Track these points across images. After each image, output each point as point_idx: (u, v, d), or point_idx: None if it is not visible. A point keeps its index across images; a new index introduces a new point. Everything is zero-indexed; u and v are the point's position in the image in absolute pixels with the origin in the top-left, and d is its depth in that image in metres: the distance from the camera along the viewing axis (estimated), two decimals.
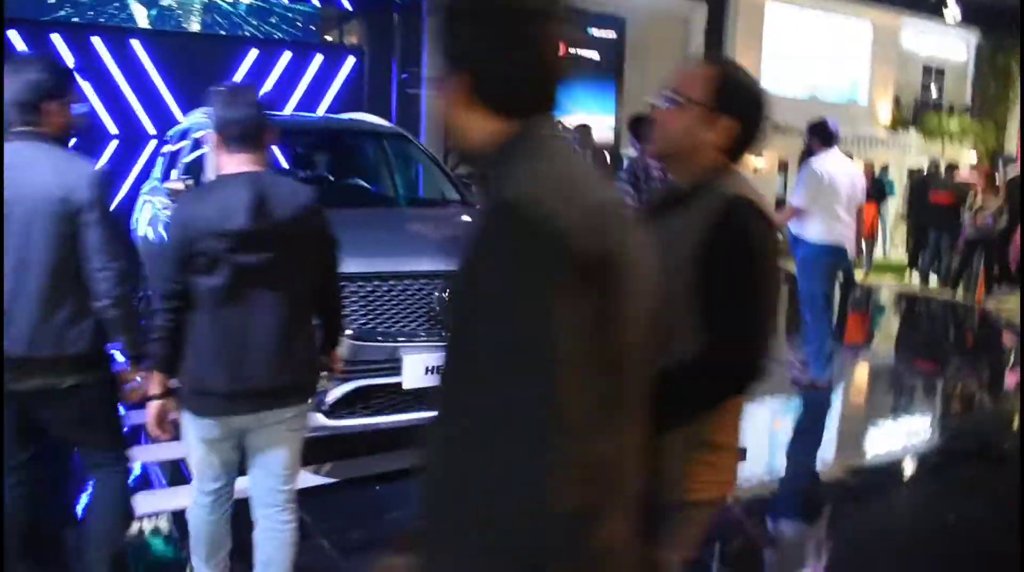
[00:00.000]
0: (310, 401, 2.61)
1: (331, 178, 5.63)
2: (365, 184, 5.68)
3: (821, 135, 5.64)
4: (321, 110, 10.26)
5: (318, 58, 10.64)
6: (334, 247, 2.62)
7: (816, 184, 5.51)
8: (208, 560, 2.60)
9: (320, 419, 3.62)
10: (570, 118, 12.87)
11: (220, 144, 2.45)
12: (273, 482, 2.52)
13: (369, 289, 3.74)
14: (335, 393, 3.65)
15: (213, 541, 2.58)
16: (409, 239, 4.15)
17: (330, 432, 3.69)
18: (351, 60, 10.90)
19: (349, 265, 3.58)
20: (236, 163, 2.42)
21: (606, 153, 8.82)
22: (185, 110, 8.13)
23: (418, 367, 3.75)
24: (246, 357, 2.36)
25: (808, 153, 6.02)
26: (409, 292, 3.80)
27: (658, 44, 14.24)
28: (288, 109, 10.22)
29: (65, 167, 2.43)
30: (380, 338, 3.73)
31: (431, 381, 3.76)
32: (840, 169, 5.62)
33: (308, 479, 3.87)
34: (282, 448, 2.51)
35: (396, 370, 3.72)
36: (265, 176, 2.42)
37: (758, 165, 15.67)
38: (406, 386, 3.74)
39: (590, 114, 12.83)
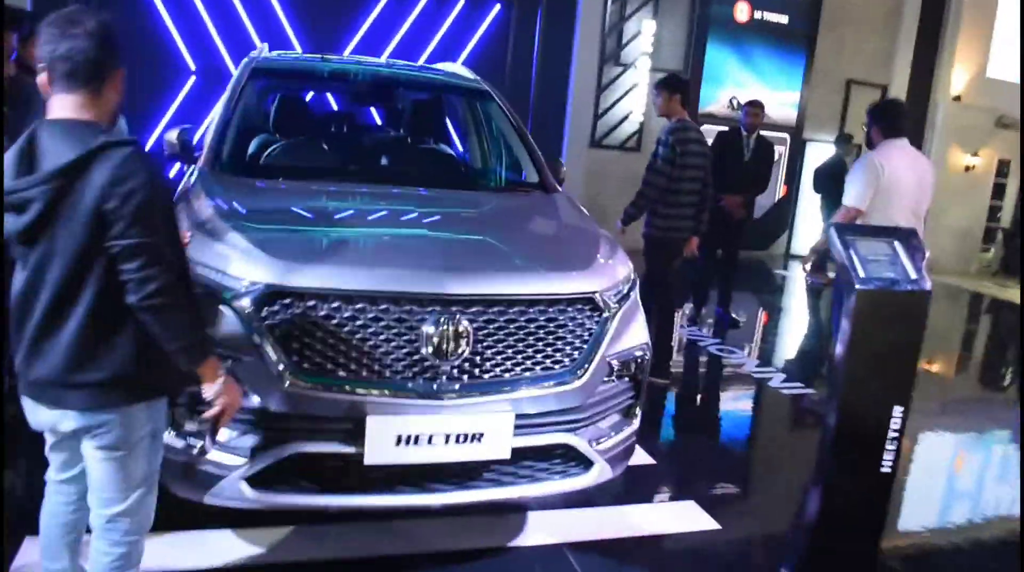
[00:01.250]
0: (141, 412, 2.12)
1: (384, 139, 4.63)
2: (440, 150, 4.61)
3: (884, 120, 4.62)
4: (460, 60, 9.33)
5: (460, 4, 9.68)
6: (129, 232, 1.93)
7: (873, 180, 4.48)
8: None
9: (243, 488, 2.66)
10: (744, 92, 11.32)
11: (46, 84, 2.04)
12: (93, 500, 2.21)
13: (326, 312, 2.68)
14: (264, 459, 2.66)
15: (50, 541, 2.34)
16: (433, 244, 3.05)
17: (254, 506, 2.71)
18: (496, 8, 9.85)
19: (302, 276, 2.62)
20: (58, 107, 2.01)
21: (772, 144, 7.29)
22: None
23: (386, 434, 2.69)
24: (32, 341, 2.02)
25: (868, 145, 4.92)
26: (391, 323, 2.71)
27: (862, 11, 12.10)
28: (422, 59, 9.37)
29: None
30: (334, 386, 2.68)
31: (403, 457, 2.69)
32: (906, 163, 4.55)
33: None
34: (92, 462, 2.15)
35: (357, 435, 2.67)
36: (75, 127, 1.97)
37: (971, 163, 13.21)
38: (368, 460, 2.69)
39: (771, 89, 11.10)
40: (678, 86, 5.18)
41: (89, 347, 2.00)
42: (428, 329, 2.70)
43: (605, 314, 3.02)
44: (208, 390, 2.16)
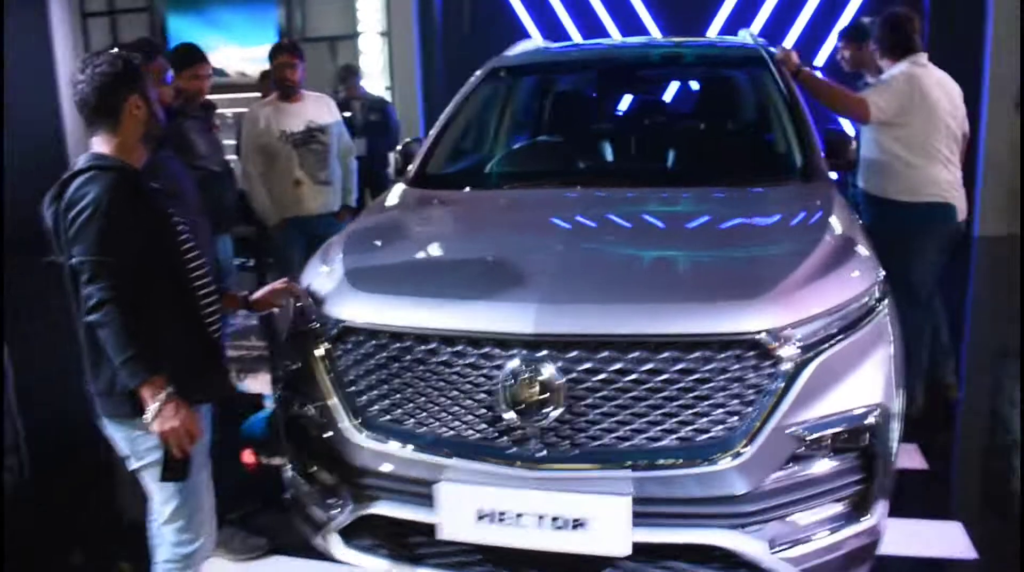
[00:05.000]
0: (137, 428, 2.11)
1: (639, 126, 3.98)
2: (718, 134, 3.82)
3: (890, 38, 3.78)
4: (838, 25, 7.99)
5: None
6: (74, 250, 2.01)
7: (906, 97, 3.64)
8: None
9: (334, 542, 2.38)
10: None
11: None
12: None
13: (397, 353, 2.25)
14: (345, 514, 2.34)
15: None
16: (573, 268, 2.38)
17: (347, 560, 2.40)
18: None
19: (377, 310, 2.31)
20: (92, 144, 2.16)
21: None
22: None
23: (464, 506, 2.16)
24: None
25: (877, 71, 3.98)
26: (466, 369, 2.18)
27: None
28: (789, 40, 8.23)
29: None
30: (406, 443, 2.24)
31: (485, 536, 2.15)
32: (936, 81, 3.73)
33: None
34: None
35: (433, 503, 2.20)
36: (87, 159, 2.09)
37: None
38: (443, 535, 2.20)
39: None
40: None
41: (93, 357, 2.10)
42: (506, 378, 2.10)
43: (783, 364, 2.07)
44: (146, 413, 2.01)
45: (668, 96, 4.51)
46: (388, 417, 2.29)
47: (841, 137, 3.28)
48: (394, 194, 3.31)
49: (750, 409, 2.06)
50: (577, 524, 2.09)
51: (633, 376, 2.07)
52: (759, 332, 2.05)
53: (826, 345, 2.13)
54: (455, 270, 2.47)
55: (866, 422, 2.15)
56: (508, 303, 2.17)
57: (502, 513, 2.13)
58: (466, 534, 2.18)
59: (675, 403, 2.07)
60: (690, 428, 2.08)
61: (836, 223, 2.60)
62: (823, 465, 2.15)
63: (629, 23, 8.67)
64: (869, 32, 4.06)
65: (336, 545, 2.40)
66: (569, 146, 3.81)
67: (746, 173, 3.20)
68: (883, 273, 2.45)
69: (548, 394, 2.07)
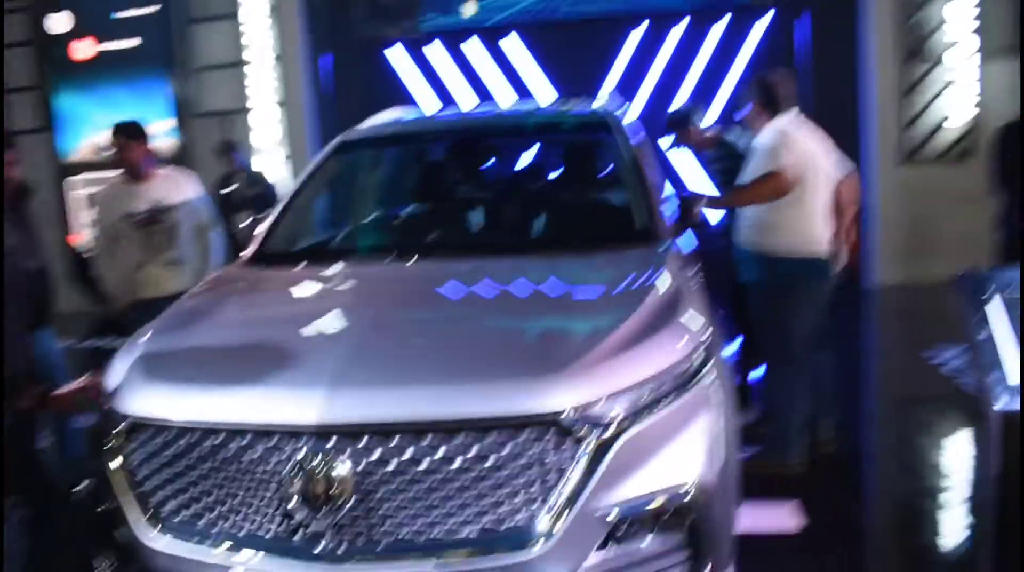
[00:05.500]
0: None
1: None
2: (558, 201, 3.78)
3: (765, 95, 3.89)
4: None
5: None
6: None
7: (783, 153, 3.66)
8: None
9: None
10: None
11: None
12: None
13: (184, 449, 2.11)
14: None
15: None
16: (367, 349, 2.23)
17: None
18: (769, 16, 8.42)
19: (162, 404, 2.15)
20: None
21: None
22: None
23: None
24: None
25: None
26: (254, 462, 2.03)
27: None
28: (685, 87, 8.41)
29: None
30: (197, 538, 2.09)
31: None
32: (810, 135, 3.84)
33: None
34: None
35: None
36: None
37: None
38: None
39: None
40: None
41: None
42: (293, 472, 1.95)
43: (584, 444, 1.96)
44: None
45: (522, 164, 4.50)
46: (181, 517, 2.12)
47: (687, 198, 3.27)
48: (223, 274, 3.17)
49: (552, 494, 1.95)
50: None
51: (425, 464, 1.94)
52: (556, 412, 1.95)
53: (634, 421, 2.04)
54: (250, 356, 2.31)
55: (685, 500, 2.05)
56: (294, 390, 2.03)
57: None
58: None
59: (472, 491, 1.95)
60: (491, 517, 1.95)
61: (662, 287, 2.53)
62: (643, 547, 2.04)
63: (520, 87, 8.76)
64: (689, 117, 4.58)
65: None
66: (409, 219, 3.75)
67: (584, 238, 3.15)
68: (708, 335, 2.38)
69: (338, 488, 1.93)
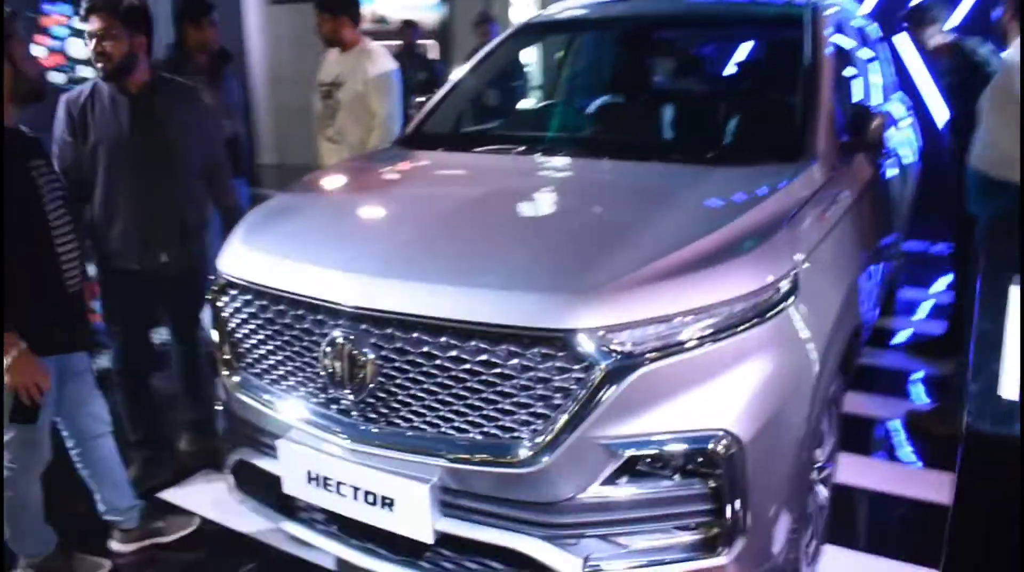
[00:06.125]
0: None
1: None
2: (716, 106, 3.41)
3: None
4: None
5: None
6: None
7: None
8: None
9: (229, 482, 2.54)
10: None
11: None
12: None
13: (255, 311, 2.32)
14: (231, 456, 2.49)
15: None
16: (434, 241, 2.24)
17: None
18: None
19: (250, 268, 2.37)
20: None
21: None
22: None
23: (297, 466, 2.20)
24: None
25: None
26: (301, 334, 2.19)
27: None
28: None
29: None
30: (257, 395, 2.33)
31: (314, 498, 2.19)
32: None
33: None
34: None
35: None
36: None
37: None
38: (286, 488, 2.26)
39: None
40: None
41: None
42: (325, 347, 2.09)
43: (594, 371, 1.85)
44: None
45: (691, 61, 3.99)
46: (254, 371, 2.37)
47: (863, 112, 2.79)
48: (366, 154, 3.30)
49: (556, 414, 1.88)
50: (387, 503, 2.06)
51: (439, 361, 1.96)
52: (566, 330, 1.85)
53: (663, 354, 1.87)
54: (329, 233, 2.44)
55: (709, 449, 1.88)
56: (346, 271, 2.13)
57: (327, 479, 2.15)
58: (300, 493, 2.23)
59: (480, 395, 1.94)
60: (494, 424, 1.94)
61: (769, 208, 2.23)
62: (656, 489, 1.93)
63: None
64: (930, 14, 3.99)
65: (230, 484, 2.53)
66: (552, 112, 3.58)
67: (722, 148, 2.83)
68: (796, 262, 2.08)
69: (362, 368, 2.03)
